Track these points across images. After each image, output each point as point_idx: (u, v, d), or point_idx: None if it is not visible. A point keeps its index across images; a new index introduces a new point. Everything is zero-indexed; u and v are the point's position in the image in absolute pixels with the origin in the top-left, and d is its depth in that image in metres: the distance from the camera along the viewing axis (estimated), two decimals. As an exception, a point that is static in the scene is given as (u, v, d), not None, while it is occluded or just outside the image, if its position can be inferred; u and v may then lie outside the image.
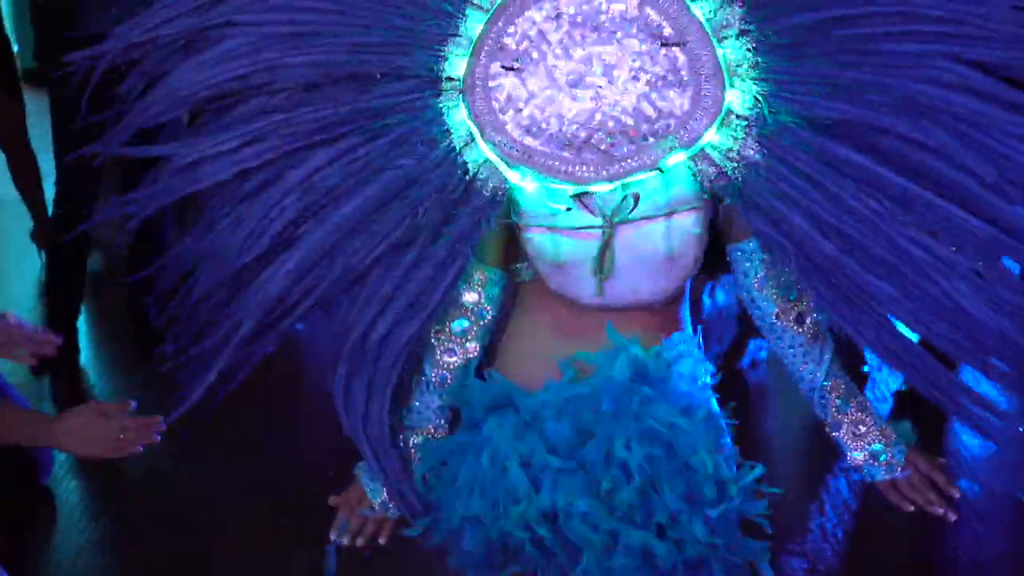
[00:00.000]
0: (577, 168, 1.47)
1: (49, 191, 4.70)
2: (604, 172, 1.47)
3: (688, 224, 1.53)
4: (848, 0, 1.46)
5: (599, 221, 1.51)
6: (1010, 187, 1.48)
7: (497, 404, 1.66)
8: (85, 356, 4.60)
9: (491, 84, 1.48)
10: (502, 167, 1.51)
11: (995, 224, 1.49)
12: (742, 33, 1.46)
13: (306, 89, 1.53)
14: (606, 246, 1.52)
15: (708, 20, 1.45)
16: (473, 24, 1.48)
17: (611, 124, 1.46)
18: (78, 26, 4.35)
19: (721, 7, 1.45)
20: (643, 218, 1.50)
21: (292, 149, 1.54)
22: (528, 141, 1.48)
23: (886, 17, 1.45)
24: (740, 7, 1.46)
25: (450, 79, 1.50)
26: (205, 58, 1.56)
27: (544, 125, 1.47)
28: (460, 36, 1.49)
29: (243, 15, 1.54)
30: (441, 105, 1.51)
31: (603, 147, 1.47)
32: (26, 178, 5.13)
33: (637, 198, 1.49)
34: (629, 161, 1.47)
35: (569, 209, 1.50)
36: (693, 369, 1.65)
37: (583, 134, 1.46)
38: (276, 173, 1.56)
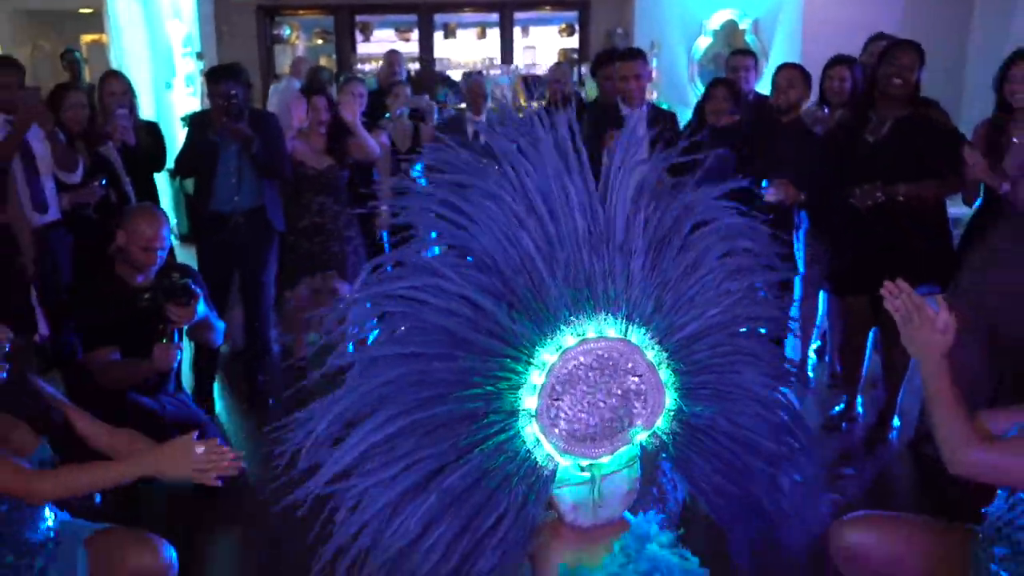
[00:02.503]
0: (597, 451, 1.51)
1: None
2: (609, 450, 1.51)
3: (636, 470, 1.57)
4: (721, 340, 1.58)
5: (594, 477, 1.55)
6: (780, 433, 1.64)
7: None
8: (219, 406, 4.48)
9: (549, 411, 1.49)
10: (557, 457, 1.51)
11: (779, 451, 1.63)
12: (668, 365, 1.54)
13: (433, 430, 1.49)
14: (599, 489, 1.54)
15: (653, 361, 1.52)
16: (534, 377, 1.50)
17: (613, 424, 1.51)
18: (213, 201, 4.33)
19: (655, 354, 1.53)
20: (614, 471, 1.54)
21: (433, 470, 1.49)
22: (571, 441, 1.49)
23: (738, 346, 1.60)
24: (663, 352, 1.54)
25: (525, 410, 1.50)
26: (373, 423, 1.49)
27: (579, 430, 1.50)
28: (526, 384, 1.49)
29: (393, 401, 1.48)
30: (519, 425, 1.50)
31: (608, 437, 1.51)
32: None
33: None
34: (619, 441, 1.52)
35: (585, 470, 1.53)
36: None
37: (599, 432, 1.50)
38: (424, 487, 1.50)
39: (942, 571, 2.10)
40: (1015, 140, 3.47)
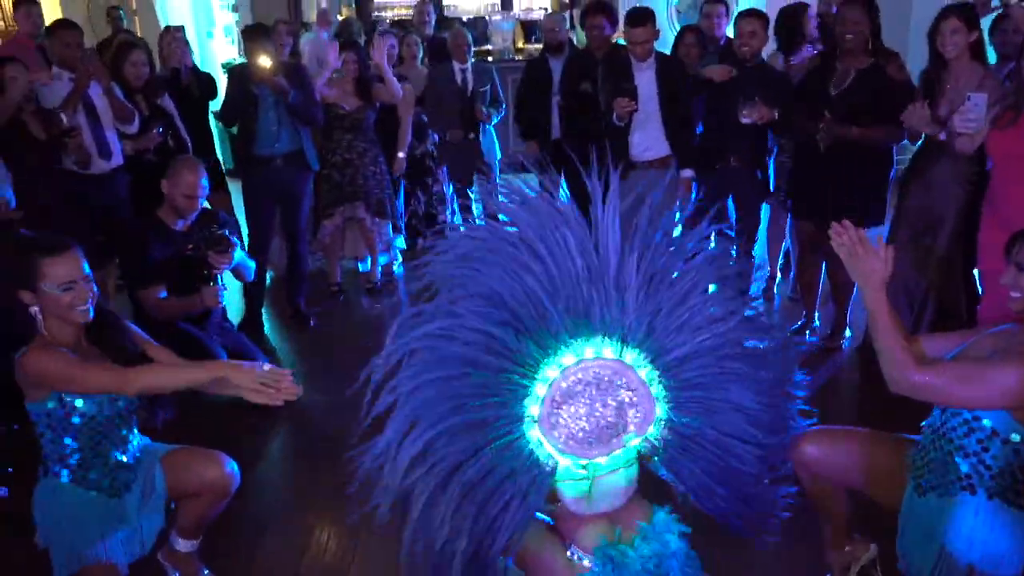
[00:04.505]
0: (593, 453, 1.52)
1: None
2: (604, 453, 1.53)
3: (633, 471, 1.59)
4: (707, 362, 1.57)
5: (590, 475, 1.56)
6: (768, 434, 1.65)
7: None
8: (267, 326, 4.50)
9: (550, 419, 1.52)
10: (558, 456, 1.54)
11: (761, 447, 1.64)
12: (659, 382, 1.55)
13: (456, 435, 1.53)
14: (592, 485, 1.56)
15: (645, 378, 1.54)
16: (537, 390, 1.53)
17: (607, 431, 1.52)
18: (256, 147, 4.23)
19: (649, 371, 1.54)
20: (611, 470, 1.56)
21: (455, 466, 1.53)
22: (571, 444, 1.52)
23: (725, 368, 1.59)
24: (656, 371, 1.54)
25: (529, 416, 1.53)
26: (412, 438, 1.52)
27: (577, 435, 1.51)
28: (531, 395, 1.52)
29: (425, 418, 1.53)
30: (524, 429, 1.54)
31: (604, 442, 1.52)
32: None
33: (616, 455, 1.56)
34: (614, 445, 1.53)
35: (584, 468, 1.54)
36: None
37: (595, 437, 1.52)
38: (448, 481, 1.54)
39: (883, 476, 2.12)
40: (949, 93, 3.42)
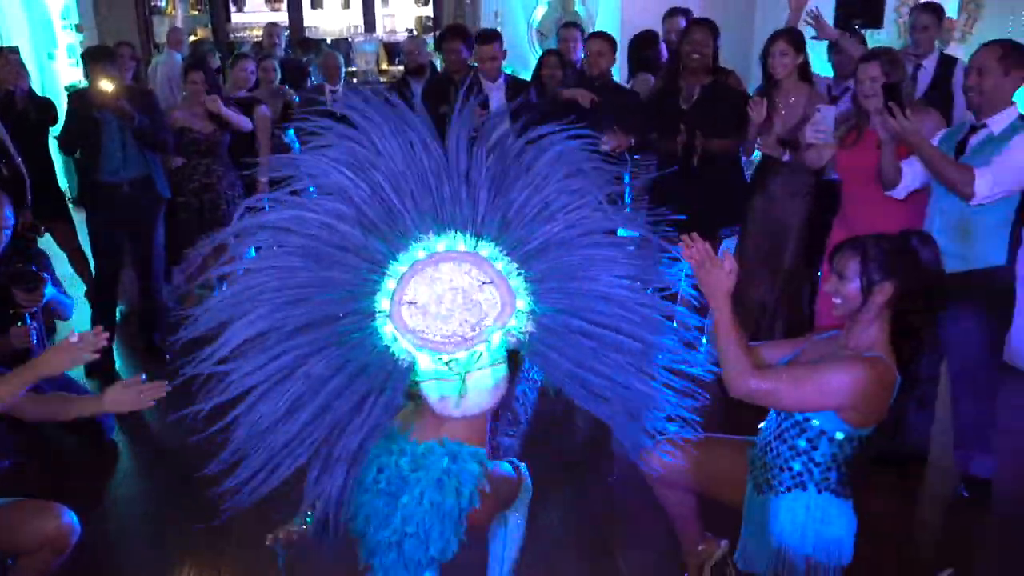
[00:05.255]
0: (451, 348, 1.52)
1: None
2: (463, 348, 1.53)
3: (502, 369, 1.58)
4: (568, 251, 1.58)
5: (458, 372, 1.56)
6: (646, 327, 1.62)
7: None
8: (118, 363, 4.27)
9: (402, 312, 1.51)
10: (412, 351, 1.53)
11: (644, 343, 1.62)
12: (518, 274, 1.56)
13: (302, 328, 1.53)
14: (464, 383, 1.55)
15: (503, 271, 1.54)
16: (388, 284, 1.52)
17: (465, 326, 1.52)
18: (100, 173, 4.05)
19: (506, 264, 1.54)
20: (479, 369, 1.55)
21: (302, 357, 1.53)
22: (425, 338, 1.51)
23: (587, 255, 1.59)
24: (513, 263, 1.55)
25: (380, 311, 1.53)
26: (245, 320, 1.55)
27: (432, 329, 1.51)
28: (381, 291, 1.52)
29: (263, 303, 1.54)
30: (376, 324, 1.54)
31: (462, 336, 1.52)
32: (81, 265, 4.81)
33: (484, 354, 1.55)
34: (474, 340, 1.53)
35: (448, 365, 1.53)
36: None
37: (452, 331, 1.51)
38: (295, 369, 1.54)
39: (723, 478, 2.24)
40: (782, 110, 3.66)
